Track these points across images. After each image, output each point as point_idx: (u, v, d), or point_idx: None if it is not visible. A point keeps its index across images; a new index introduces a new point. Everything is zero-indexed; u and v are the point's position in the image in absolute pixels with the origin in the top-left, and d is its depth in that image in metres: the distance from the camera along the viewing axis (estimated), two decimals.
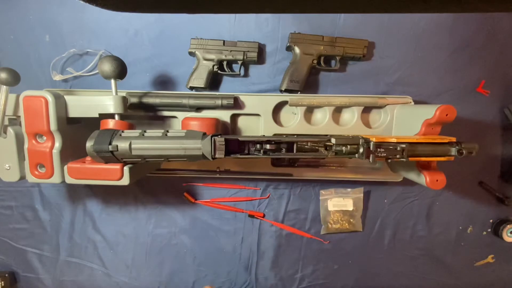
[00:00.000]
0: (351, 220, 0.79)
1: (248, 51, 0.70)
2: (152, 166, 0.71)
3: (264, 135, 0.62)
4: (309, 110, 0.72)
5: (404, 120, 0.68)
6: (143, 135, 0.51)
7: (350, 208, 0.78)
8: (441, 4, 0.19)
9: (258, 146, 0.52)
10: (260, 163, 0.75)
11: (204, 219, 0.80)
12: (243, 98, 0.69)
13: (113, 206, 0.80)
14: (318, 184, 0.79)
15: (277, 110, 0.71)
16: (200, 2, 0.19)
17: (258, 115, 0.70)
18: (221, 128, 0.69)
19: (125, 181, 0.54)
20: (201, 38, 0.70)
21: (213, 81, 0.73)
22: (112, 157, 0.51)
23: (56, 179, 0.57)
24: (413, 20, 0.73)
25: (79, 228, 0.81)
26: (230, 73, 0.72)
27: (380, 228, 0.81)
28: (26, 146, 0.57)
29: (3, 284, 0.80)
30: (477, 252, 0.83)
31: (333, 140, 0.53)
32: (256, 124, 0.71)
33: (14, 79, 0.57)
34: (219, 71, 0.71)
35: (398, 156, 0.52)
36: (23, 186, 0.79)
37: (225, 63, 0.71)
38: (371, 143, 0.51)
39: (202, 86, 0.70)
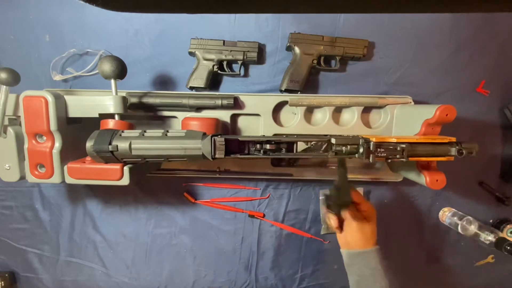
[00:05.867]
0: None
1: (248, 51, 0.70)
2: (152, 166, 0.71)
3: (264, 135, 0.62)
4: (309, 110, 0.72)
5: (404, 120, 0.68)
6: (143, 135, 0.51)
7: None
8: (441, 4, 0.19)
9: (258, 146, 0.52)
10: (260, 163, 0.75)
11: (204, 219, 0.80)
12: (243, 98, 0.69)
13: (113, 206, 0.80)
14: (318, 184, 0.79)
15: (277, 110, 0.71)
16: (200, 2, 0.19)
17: (258, 115, 0.70)
18: (221, 128, 0.69)
19: (125, 181, 0.54)
20: (201, 38, 0.69)
21: (213, 81, 0.73)
22: (112, 157, 0.51)
23: (56, 179, 0.57)
24: (413, 20, 0.73)
25: (79, 228, 0.81)
26: (230, 73, 0.72)
27: (380, 228, 0.81)
28: (26, 146, 0.57)
29: (3, 284, 0.80)
30: (477, 252, 0.83)
31: (333, 140, 0.53)
32: (256, 124, 0.71)
33: (14, 79, 0.57)
34: (219, 71, 0.71)
35: (398, 156, 0.52)
36: (23, 186, 0.79)
37: (225, 63, 0.71)
38: (371, 143, 0.51)
39: (202, 86, 0.70)
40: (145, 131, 0.52)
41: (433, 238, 0.82)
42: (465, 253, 0.83)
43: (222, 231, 0.81)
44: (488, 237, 0.70)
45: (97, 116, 0.58)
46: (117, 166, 0.53)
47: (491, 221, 0.81)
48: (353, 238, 0.59)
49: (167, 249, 0.82)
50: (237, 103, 0.68)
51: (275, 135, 0.68)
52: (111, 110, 0.57)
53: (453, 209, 0.78)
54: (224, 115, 0.69)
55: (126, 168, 0.54)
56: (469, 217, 0.73)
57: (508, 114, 0.75)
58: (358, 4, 0.19)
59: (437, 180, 0.59)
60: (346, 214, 0.59)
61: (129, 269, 0.83)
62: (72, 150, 0.59)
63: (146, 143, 0.50)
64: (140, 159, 0.52)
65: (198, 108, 0.68)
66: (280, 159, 0.74)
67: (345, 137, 0.54)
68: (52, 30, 0.72)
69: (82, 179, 0.55)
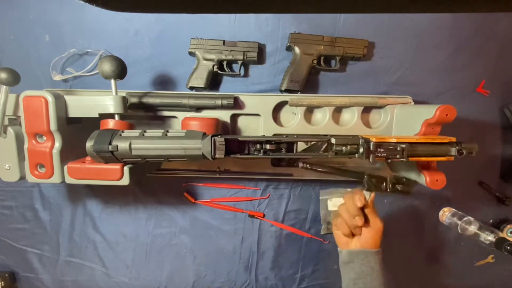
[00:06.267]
0: None
1: (248, 51, 0.70)
2: (152, 166, 0.71)
3: (264, 135, 0.62)
4: (309, 110, 0.72)
5: (404, 120, 0.68)
6: (143, 135, 0.51)
7: None
8: (441, 4, 0.19)
9: (258, 146, 0.52)
10: (260, 163, 0.74)
11: (204, 219, 0.80)
12: (243, 98, 0.69)
13: (113, 206, 0.80)
14: (318, 184, 0.79)
15: (277, 110, 0.71)
16: (200, 2, 0.19)
17: (258, 115, 0.70)
18: (221, 128, 0.69)
19: (125, 181, 0.54)
20: (201, 38, 0.69)
21: (213, 81, 0.73)
22: (112, 157, 0.51)
23: (56, 179, 0.57)
24: (413, 20, 0.73)
25: (79, 228, 0.81)
26: (230, 73, 0.72)
27: None
28: (26, 146, 0.57)
29: (3, 284, 0.80)
30: (477, 252, 0.83)
31: (333, 140, 0.53)
32: (256, 124, 0.71)
33: (14, 79, 0.57)
34: (219, 71, 0.71)
35: (398, 156, 0.52)
36: (23, 186, 0.79)
37: (225, 63, 0.71)
38: (371, 143, 0.51)
39: (202, 86, 0.70)
40: (145, 131, 0.52)
41: (433, 238, 0.82)
42: (465, 253, 0.83)
43: (222, 231, 0.81)
44: (488, 237, 0.70)
45: (97, 116, 0.58)
46: (117, 166, 0.53)
47: (491, 221, 0.81)
48: (374, 238, 0.58)
49: (167, 249, 0.82)
50: (237, 103, 0.68)
51: (275, 135, 0.68)
52: (111, 110, 0.57)
53: (453, 209, 0.78)
54: (224, 115, 0.69)
55: (126, 168, 0.54)
56: (469, 217, 0.73)
57: (508, 114, 0.75)
58: (358, 4, 0.19)
59: (437, 180, 0.59)
60: (373, 214, 0.58)
61: (129, 269, 0.83)
62: (72, 150, 0.59)
63: (146, 143, 0.50)
64: (140, 159, 0.52)
65: (198, 108, 0.68)
66: (280, 159, 0.74)
67: (345, 137, 0.54)
68: (52, 30, 0.72)
69: (82, 179, 0.55)
